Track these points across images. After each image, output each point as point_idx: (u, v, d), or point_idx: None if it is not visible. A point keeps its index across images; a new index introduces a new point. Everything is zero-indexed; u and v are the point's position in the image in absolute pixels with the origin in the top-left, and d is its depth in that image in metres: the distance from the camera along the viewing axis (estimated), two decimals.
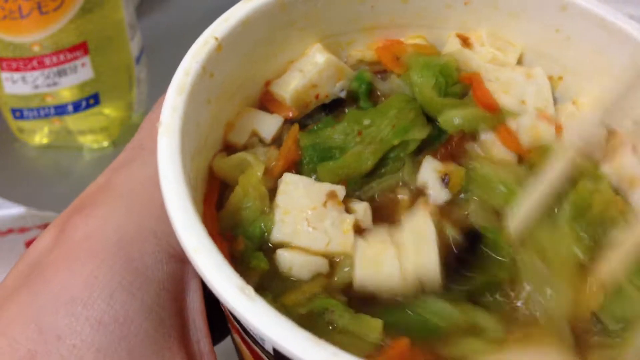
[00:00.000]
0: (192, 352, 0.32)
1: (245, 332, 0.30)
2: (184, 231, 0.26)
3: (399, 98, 0.37)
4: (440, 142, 0.37)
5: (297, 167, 0.36)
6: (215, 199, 0.35)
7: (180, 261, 0.33)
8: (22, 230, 0.58)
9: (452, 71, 0.38)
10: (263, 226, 0.33)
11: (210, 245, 0.26)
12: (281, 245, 0.33)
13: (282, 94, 0.37)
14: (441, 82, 0.37)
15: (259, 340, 0.29)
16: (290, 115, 0.37)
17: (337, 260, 0.33)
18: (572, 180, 0.34)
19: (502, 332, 0.31)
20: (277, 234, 0.32)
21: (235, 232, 0.33)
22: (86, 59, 0.65)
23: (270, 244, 0.33)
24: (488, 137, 0.37)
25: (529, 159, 0.36)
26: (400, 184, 0.36)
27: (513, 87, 0.38)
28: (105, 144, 0.72)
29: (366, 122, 0.36)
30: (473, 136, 0.37)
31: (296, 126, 0.37)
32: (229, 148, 0.36)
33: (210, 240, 0.26)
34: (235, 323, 0.31)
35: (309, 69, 0.37)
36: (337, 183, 0.34)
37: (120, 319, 0.30)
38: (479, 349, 0.30)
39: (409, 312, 0.31)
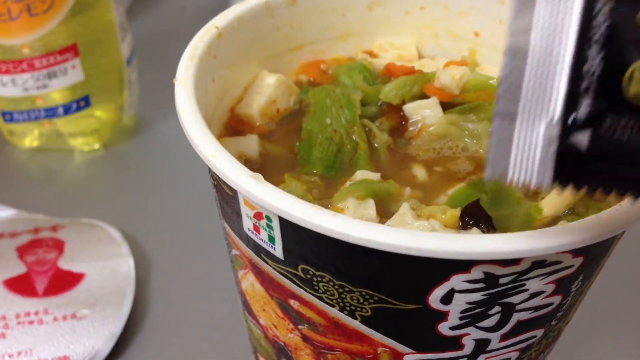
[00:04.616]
0: None
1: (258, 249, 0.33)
2: (201, 141, 0.31)
3: (317, 95, 0.41)
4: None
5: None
6: None
7: None
8: (13, 235, 0.57)
9: (371, 69, 0.44)
10: None
11: (223, 150, 0.30)
12: None
13: (250, 113, 0.41)
14: (367, 77, 0.43)
15: (269, 246, 0.31)
16: (263, 130, 0.41)
17: None
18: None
19: None
20: None
21: None
22: (76, 61, 0.65)
23: None
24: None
25: (464, 100, 0.41)
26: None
27: (425, 65, 0.44)
28: (96, 146, 0.72)
29: (327, 120, 0.39)
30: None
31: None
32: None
33: (223, 148, 0.31)
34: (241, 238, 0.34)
35: (265, 90, 0.42)
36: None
37: None
38: None
39: None
